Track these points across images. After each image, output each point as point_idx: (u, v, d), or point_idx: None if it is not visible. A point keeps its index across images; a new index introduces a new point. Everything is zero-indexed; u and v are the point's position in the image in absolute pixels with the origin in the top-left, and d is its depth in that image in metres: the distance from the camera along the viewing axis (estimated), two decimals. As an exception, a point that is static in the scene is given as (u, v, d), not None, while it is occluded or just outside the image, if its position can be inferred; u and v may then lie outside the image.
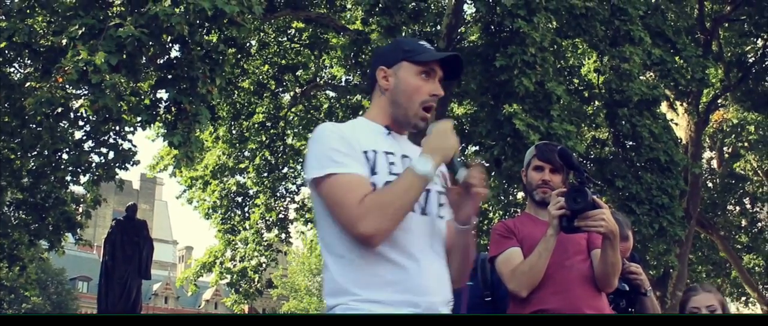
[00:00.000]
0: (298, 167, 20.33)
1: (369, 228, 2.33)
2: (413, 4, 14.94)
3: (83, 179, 13.39)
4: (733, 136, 22.54)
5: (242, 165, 19.31)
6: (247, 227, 19.93)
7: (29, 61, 12.42)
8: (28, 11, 11.17)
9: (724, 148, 23.67)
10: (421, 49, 2.63)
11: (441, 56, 2.62)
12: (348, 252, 2.42)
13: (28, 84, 11.77)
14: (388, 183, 2.44)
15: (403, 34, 14.87)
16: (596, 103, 16.39)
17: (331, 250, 2.47)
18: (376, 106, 2.68)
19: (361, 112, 18.41)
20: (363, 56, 15.32)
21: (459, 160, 2.52)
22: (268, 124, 18.73)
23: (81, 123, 12.65)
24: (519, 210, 16.24)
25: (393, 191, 2.38)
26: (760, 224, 23.61)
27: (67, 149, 12.94)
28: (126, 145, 12.93)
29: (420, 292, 2.40)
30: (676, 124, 17.79)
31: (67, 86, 10.40)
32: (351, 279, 2.40)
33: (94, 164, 13.07)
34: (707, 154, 23.75)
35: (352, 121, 2.69)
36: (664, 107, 17.37)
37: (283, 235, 20.22)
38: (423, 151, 2.46)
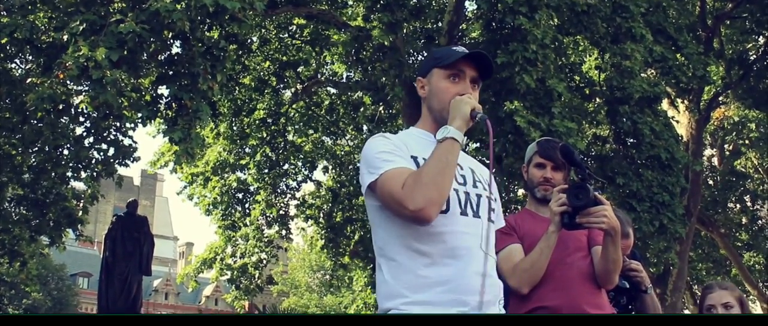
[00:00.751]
0: (299, 163, 20.35)
1: (417, 202, 2.41)
2: (415, 0, 14.95)
3: (84, 175, 13.39)
4: (734, 133, 22.55)
5: (243, 162, 19.31)
6: (248, 223, 19.95)
7: (30, 57, 12.43)
8: (29, 7, 11.16)
9: (725, 146, 23.68)
10: (449, 53, 2.76)
11: (463, 54, 2.71)
12: (398, 255, 2.52)
13: (29, 80, 11.75)
14: None
15: (405, 30, 14.88)
16: (597, 100, 16.39)
17: (383, 254, 2.58)
18: (423, 116, 2.82)
19: (361, 109, 18.54)
20: (364, 53, 15.32)
21: (482, 115, 2.62)
22: (269, 120, 18.73)
23: (82, 119, 12.64)
24: (520, 206, 16.24)
25: (427, 164, 2.50)
26: (760, 222, 23.62)
27: (68, 145, 12.93)
28: (126, 141, 12.93)
29: (468, 292, 2.48)
30: (677, 122, 17.78)
31: (68, 82, 10.40)
32: (402, 281, 2.49)
33: (94, 160, 13.07)
34: (708, 152, 23.75)
35: (403, 132, 2.83)
36: (665, 104, 17.37)
37: (284, 232, 20.25)
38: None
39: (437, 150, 2.50)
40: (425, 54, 16.33)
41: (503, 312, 2.63)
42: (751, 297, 23.95)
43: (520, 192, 16.57)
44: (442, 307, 2.43)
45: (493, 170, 2.71)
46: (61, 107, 11.79)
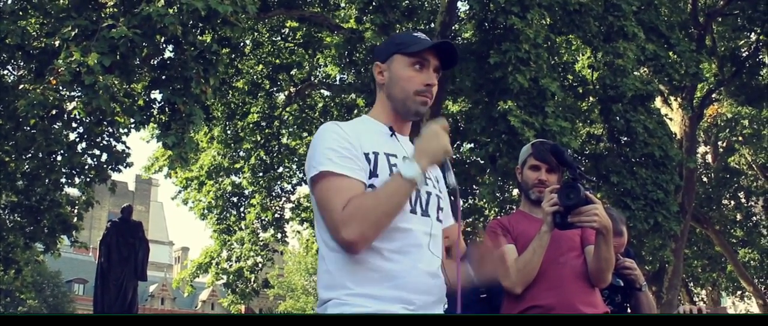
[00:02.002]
0: (294, 166, 20.33)
1: (351, 234, 2.33)
2: (407, 1, 14.96)
3: (77, 181, 13.37)
4: (728, 130, 22.59)
5: (237, 165, 19.29)
6: (243, 227, 19.92)
7: (22, 63, 12.39)
8: (21, 13, 11.14)
9: (719, 143, 23.72)
10: (412, 40, 2.62)
11: (429, 44, 2.60)
12: None
13: (21, 86, 11.74)
14: None
15: (397, 32, 14.88)
16: (590, 99, 16.41)
17: (328, 245, 2.47)
18: (378, 103, 2.70)
19: (355, 111, 18.52)
20: (357, 55, 15.32)
21: (452, 185, 2.51)
22: (263, 123, 18.72)
23: (75, 125, 12.61)
24: (514, 207, 16.25)
25: (377, 196, 2.38)
26: (755, 218, 23.66)
27: (62, 151, 12.90)
28: (119, 147, 12.91)
29: (415, 290, 2.42)
30: (671, 119, 17.80)
31: (61, 88, 10.38)
32: (346, 272, 2.40)
33: (87, 166, 13.04)
34: (702, 149, 23.80)
35: (357, 120, 2.71)
36: (658, 102, 17.39)
37: (279, 235, 20.22)
38: (413, 153, 2.43)
39: (396, 188, 2.36)
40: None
41: (441, 312, 2.54)
42: (746, 293, 24.02)
43: (515, 192, 16.58)
44: (386, 303, 2.36)
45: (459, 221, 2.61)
46: (53, 113, 11.76)
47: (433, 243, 2.53)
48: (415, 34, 2.65)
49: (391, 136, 2.61)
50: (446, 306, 2.57)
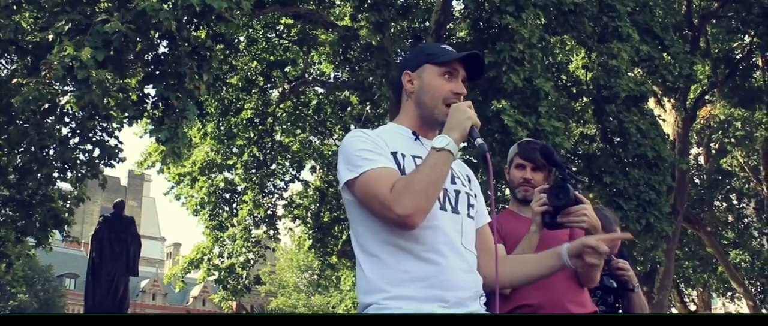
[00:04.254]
0: (287, 163, 20.32)
1: (405, 208, 2.40)
2: (402, 0, 14.95)
3: (70, 176, 13.34)
4: (720, 132, 22.65)
5: (230, 162, 19.27)
6: (235, 223, 19.91)
7: (15, 58, 12.35)
8: (14, 7, 11.11)
9: (711, 144, 23.79)
10: (442, 51, 2.73)
11: (460, 55, 2.70)
12: (380, 251, 2.51)
13: (14, 80, 11.68)
14: None
15: (392, 30, 14.88)
16: (584, 99, 16.43)
17: (364, 250, 2.57)
18: (404, 111, 2.78)
19: (349, 108, 18.53)
20: (352, 52, 15.32)
21: (482, 144, 2.58)
22: (257, 120, 18.69)
23: (67, 119, 12.58)
24: (507, 206, 16.28)
25: (420, 170, 2.47)
26: (746, 220, 23.76)
27: (54, 146, 12.87)
28: (112, 142, 12.88)
29: (448, 287, 2.48)
30: (664, 120, 17.85)
31: (54, 82, 10.35)
32: (382, 276, 2.49)
33: (79, 161, 13.02)
34: (694, 150, 23.87)
35: (381, 127, 2.78)
36: (651, 103, 17.43)
37: (271, 232, 20.22)
38: (443, 131, 2.55)
39: (433, 158, 2.47)
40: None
41: (483, 308, 2.62)
42: (737, 294, 24.10)
43: (507, 191, 16.58)
44: (423, 302, 2.43)
45: (493, 198, 2.65)
46: (46, 107, 11.72)
47: (465, 239, 2.61)
48: (444, 46, 2.76)
49: (416, 140, 2.70)
50: (484, 299, 2.65)
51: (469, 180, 2.76)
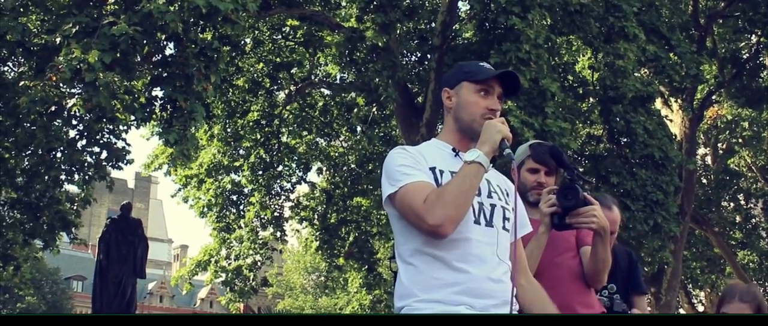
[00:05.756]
0: (293, 165, 20.32)
1: (436, 218, 2.59)
2: (408, 1, 14.94)
3: (77, 178, 13.36)
4: (728, 132, 22.60)
5: (237, 164, 19.28)
6: (242, 225, 19.91)
7: (23, 60, 12.38)
8: (21, 9, 11.12)
9: (719, 144, 23.71)
10: (479, 69, 2.90)
11: (495, 74, 2.86)
12: (415, 260, 2.70)
13: (21, 83, 11.72)
14: None
15: (398, 31, 14.87)
16: (591, 99, 16.40)
17: (402, 259, 2.76)
18: (445, 126, 2.97)
19: (355, 110, 18.52)
20: (358, 54, 15.31)
21: (509, 152, 2.75)
22: (263, 122, 18.70)
23: (75, 122, 12.61)
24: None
25: (451, 183, 2.67)
26: (754, 220, 23.67)
27: (61, 148, 12.90)
28: (119, 144, 12.90)
29: (476, 294, 2.64)
30: (671, 121, 17.81)
31: (61, 85, 10.37)
32: (416, 283, 2.68)
33: (86, 163, 13.04)
34: (701, 151, 23.78)
35: (423, 143, 2.98)
36: (658, 104, 17.39)
37: (278, 233, 20.21)
38: (476, 145, 2.73)
39: (463, 171, 2.64)
40: (418, 54, 16.35)
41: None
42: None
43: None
44: (451, 306, 2.59)
45: (515, 210, 2.84)
46: (53, 110, 11.76)
47: (500, 251, 2.77)
48: (482, 64, 2.92)
49: (455, 156, 2.86)
50: (517, 307, 2.78)
51: (507, 194, 2.89)
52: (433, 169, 2.76)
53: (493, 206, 2.80)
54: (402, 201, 2.68)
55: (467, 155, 2.67)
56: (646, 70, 15.30)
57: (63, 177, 13.52)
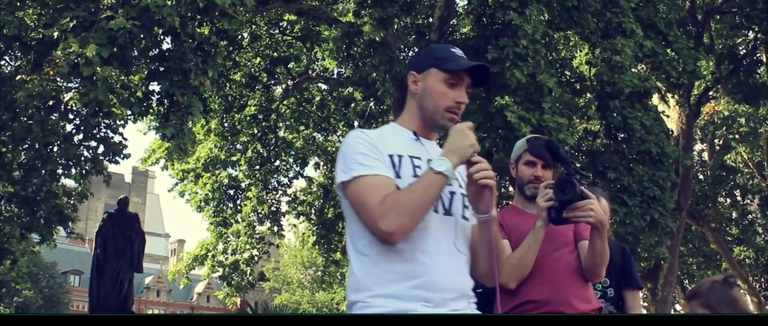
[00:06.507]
0: (290, 160, 20.33)
1: (390, 225, 2.43)
2: (405, -4, 14.91)
3: (74, 172, 13.37)
4: (724, 128, 22.63)
5: (234, 158, 19.30)
6: (239, 220, 19.95)
7: (20, 54, 12.37)
8: (18, 3, 11.11)
9: (715, 140, 23.76)
10: (451, 57, 2.72)
11: (468, 66, 2.69)
12: (369, 250, 2.54)
13: (18, 77, 11.71)
14: None
15: (395, 26, 14.87)
16: (588, 95, 16.42)
17: (356, 248, 2.59)
18: (407, 111, 2.80)
19: (352, 105, 18.53)
20: (355, 49, 15.30)
21: (476, 155, 2.57)
22: (260, 116, 18.71)
23: (71, 116, 12.60)
24: (510, 202, 16.27)
25: (412, 190, 2.49)
26: (750, 216, 23.73)
27: (58, 142, 12.90)
28: (116, 138, 12.89)
29: (433, 288, 2.49)
30: (668, 116, 17.84)
31: (58, 79, 10.36)
32: (370, 275, 2.52)
33: (83, 157, 13.03)
34: (698, 146, 23.84)
35: (383, 127, 2.80)
36: (655, 99, 17.41)
37: (275, 228, 20.25)
38: (442, 152, 2.55)
39: (428, 181, 2.48)
40: (416, 49, 16.35)
41: (471, 308, 2.62)
42: (741, 291, 24.05)
43: (511, 188, 16.59)
44: (407, 301, 2.46)
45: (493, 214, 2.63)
46: (51, 104, 11.75)
47: (458, 240, 2.62)
48: (453, 50, 2.75)
49: (416, 140, 2.72)
50: (473, 300, 2.65)
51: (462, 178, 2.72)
52: (391, 156, 2.60)
53: (452, 193, 2.65)
54: (356, 193, 2.52)
55: (435, 163, 2.48)
56: (643, 66, 15.31)
57: (60, 171, 13.51)
